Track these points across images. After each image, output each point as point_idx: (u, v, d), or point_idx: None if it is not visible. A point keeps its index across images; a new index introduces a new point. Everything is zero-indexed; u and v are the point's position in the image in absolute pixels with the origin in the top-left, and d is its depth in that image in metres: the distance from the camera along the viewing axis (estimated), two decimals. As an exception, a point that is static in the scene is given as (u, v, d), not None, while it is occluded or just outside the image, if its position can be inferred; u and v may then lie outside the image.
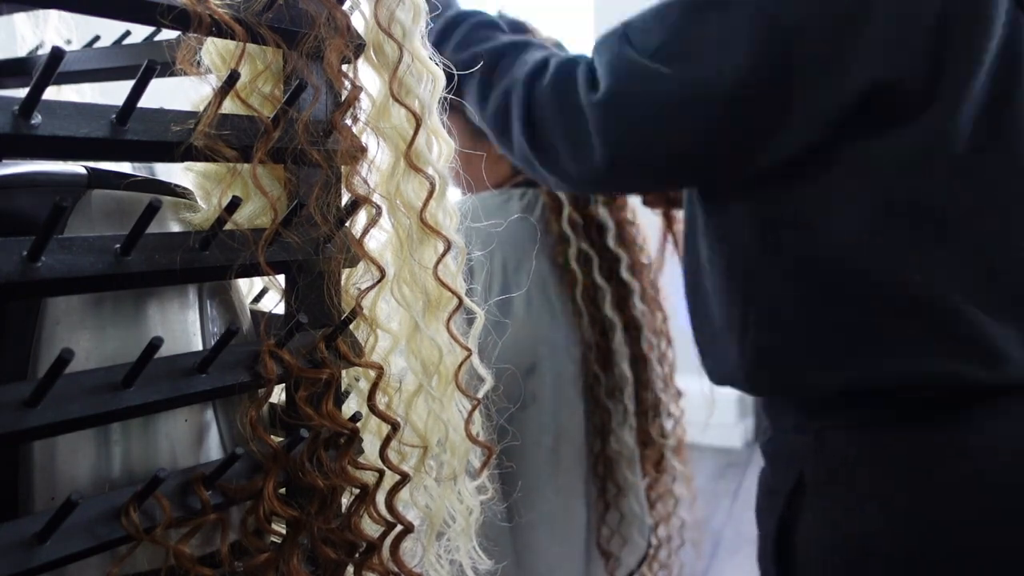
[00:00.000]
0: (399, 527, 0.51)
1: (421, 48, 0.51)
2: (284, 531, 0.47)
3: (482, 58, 0.88)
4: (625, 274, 1.19)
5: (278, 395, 0.52)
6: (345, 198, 0.50)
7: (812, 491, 0.79)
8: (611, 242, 1.17)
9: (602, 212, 1.17)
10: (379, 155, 0.51)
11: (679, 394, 1.31)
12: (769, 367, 0.79)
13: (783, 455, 0.84)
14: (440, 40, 0.94)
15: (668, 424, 1.29)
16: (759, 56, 0.69)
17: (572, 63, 0.81)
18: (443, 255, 0.52)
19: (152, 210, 0.39)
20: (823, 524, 0.78)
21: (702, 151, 0.75)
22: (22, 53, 0.68)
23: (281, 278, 0.50)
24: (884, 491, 0.75)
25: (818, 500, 0.79)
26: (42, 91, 0.36)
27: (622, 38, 0.77)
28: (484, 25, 0.94)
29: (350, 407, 0.53)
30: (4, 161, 0.46)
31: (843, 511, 0.77)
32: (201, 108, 0.43)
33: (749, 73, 0.69)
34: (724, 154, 0.75)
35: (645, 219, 1.26)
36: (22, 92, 0.36)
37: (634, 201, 1.25)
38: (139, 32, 0.53)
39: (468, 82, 0.90)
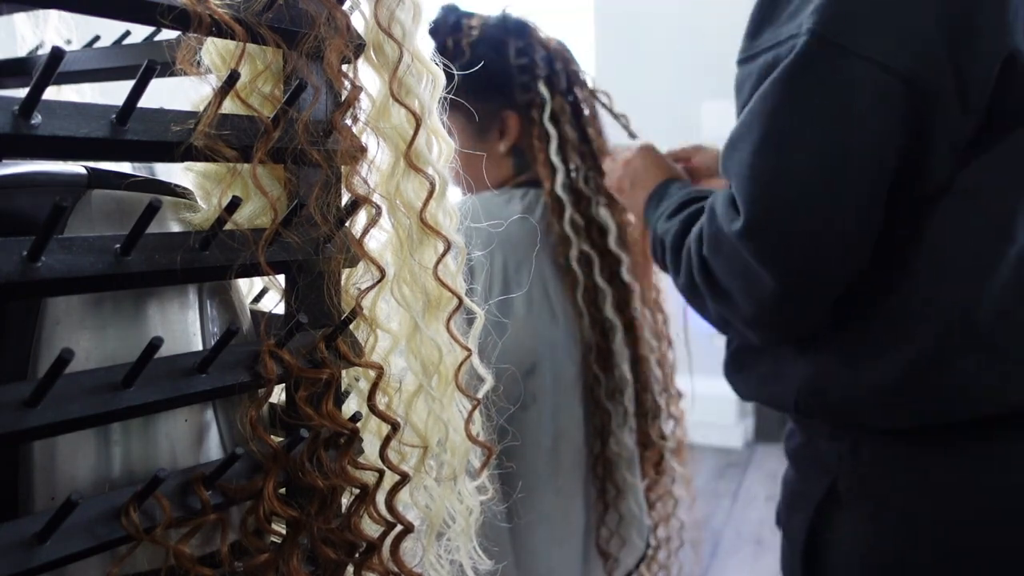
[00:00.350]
0: (399, 527, 0.51)
1: (421, 48, 0.51)
2: (284, 531, 0.47)
3: (668, 246, 0.88)
4: (626, 276, 1.19)
5: (278, 395, 0.52)
6: (345, 198, 0.50)
7: (846, 502, 0.78)
8: (612, 244, 1.17)
9: (603, 214, 1.17)
10: (379, 155, 0.51)
11: (679, 395, 1.31)
12: (826, 391, 0.77)
13: (814, 462, 0.82)
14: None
15: (668, 425, 1.29)
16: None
17: (712, 203, 0.77)
18: (443, 255, 0.52)
19: (152, 210, 0.39)
20: (857, 537, 0.77)
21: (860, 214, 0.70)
22: (22, 53, 0.68)
23: (281, 278, 0.50)
24: (920, 506, 0.73)
25: (852, 512, 0.77)
26: (42, 91, 0.36)
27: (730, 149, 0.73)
28: (668, 214, 0.92)
29: (350, 407, 0.53)
30: (4, 161, 0.46)
31: (877, 525, 0.75)
32: (201, 108, 0.43)
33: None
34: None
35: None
36: (22, 92, 0.36)
37: None
38: (139, 32, 0.53)
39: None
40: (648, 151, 1.07)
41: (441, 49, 1.17)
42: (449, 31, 1.18)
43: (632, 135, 1.23)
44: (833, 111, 0.66)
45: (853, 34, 0.65)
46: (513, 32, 1.18)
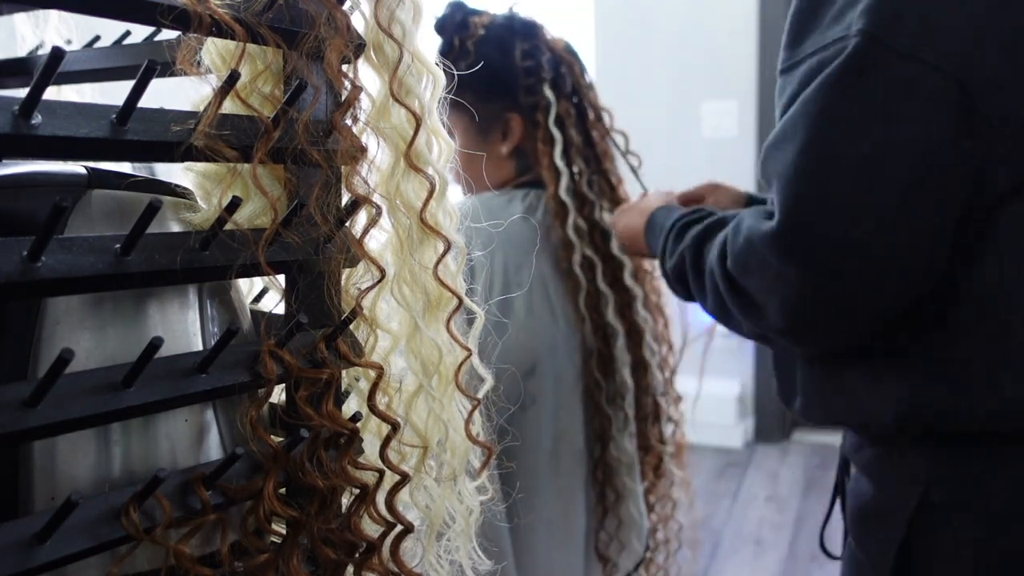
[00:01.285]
0: (399, 527, 0.51)
1: (421, 48, 0.51)
2: (284, 531, 0.47)
3: (685, 268, 0.86)
4: (628, 280, 1.18)
5: (278, 395, 0.52)
6: (345, 198, 0.50)
7: (943, 510, 0.74)
8: (615, 248, 1.17)
9: (607, 218, 1.17)
10: (379, 155, 0.51)
11: (679, 399, 1.31)
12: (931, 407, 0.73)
13: (899, 473, 0.78)
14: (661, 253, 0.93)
15: (668, 429, 1.28)
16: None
17: (739, 221, 0.76)
18: (443, 255, 0.52)
19: (152, 210, 0.39)
20: (963, 545, 0.73)
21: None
22: (22, 53, 0.68)
23: (281, 278, 0.50)
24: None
25: (954, 519, 0.74)
26: (42, 91, 0.36)
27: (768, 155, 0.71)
28: (674, 238, 0.90)
29: (350, 407, 0.53)
30: (4, 161, 0.46)
31: (986, 529, 0.72)
32: (201, 108, 0.43)
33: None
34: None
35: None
36: (22, 92, 0.36)
37: None
38: (139, 32, 0.53)
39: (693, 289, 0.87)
40: (623, 211, 1.07)
41: (447, 47, 1.17)
42: (455, 29, 1.17)
43: (640, 181, 1.23)
44: (885, 113, 0.65)
45: (905, 35, 0.64)
46: (520, 33, 1.17)
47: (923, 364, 0.72)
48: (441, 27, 1.19)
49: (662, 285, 1.27)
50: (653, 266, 1.24)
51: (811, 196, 0.66)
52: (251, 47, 0.47)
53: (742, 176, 3.13)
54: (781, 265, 0.68)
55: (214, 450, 0.48)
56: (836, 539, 0.94)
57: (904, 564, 0.77)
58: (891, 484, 0.79)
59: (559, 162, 1.14)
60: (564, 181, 1.14)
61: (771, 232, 0.68)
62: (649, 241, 0.98)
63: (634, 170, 1.23)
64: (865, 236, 0.66)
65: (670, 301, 1.28)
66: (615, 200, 1.21)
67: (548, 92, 1.15)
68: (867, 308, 0.70)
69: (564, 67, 1.18)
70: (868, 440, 0.82)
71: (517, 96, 1.16)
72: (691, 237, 0.84)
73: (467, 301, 0.54)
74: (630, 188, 1.25)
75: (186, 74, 0.46)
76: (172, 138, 0.42)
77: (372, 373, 0.50)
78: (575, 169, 1.16)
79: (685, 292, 0.88)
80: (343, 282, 0.51)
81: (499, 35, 1.17)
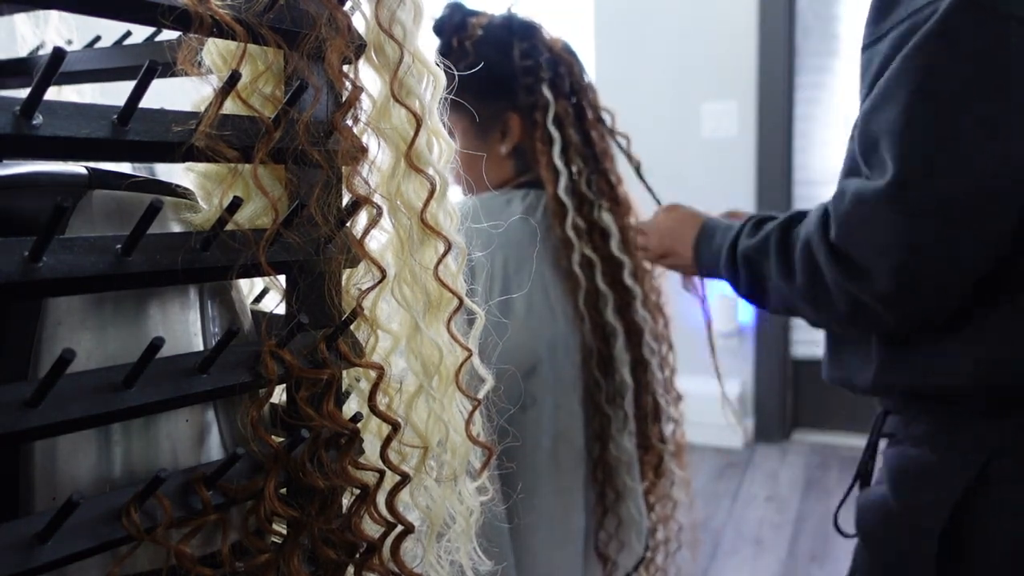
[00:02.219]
0: (399, 527, 0.51)
1: (421, 48, 0.51)
2: (285, 531, 0.47)
3: (768, 258, 0.85)
4: (628, 279, 1.18)
5: (279, 395, 0.52)
6: (346, 198, 0.50)
7: (997, 482, 0.75)
8: (615, 248, 1.16)
9: (606, 218, 1.17)
10: (380, 155, 0.51)
11: (679, 398, 1.31)
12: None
13: (964, 441, 0.78)
14: (732, 278, 0.93)
15: (669, 428, 1.28)
16: None
17: (842, 188, 0.75)
18: (443, 255, 0.52)
19: (153, 210, 0.39)
20: (1013, 520, 0.73)
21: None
22: (23, 53, 0.68)
23: (282, 278, 0.50)
24: None
25: (1008, 493, 0.74)
26: (43, 91, 0.36)
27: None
28: (748, 245, 0.89)
29: (351, 407, 0.53)
30: (5, 161, 0.46)
31: None
32: (202, 109, 0.43)
33: None
34: None
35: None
36: (23, 92, 0.36)
37: (638, 206, 1.24)
38: (140, 32, 0.53)
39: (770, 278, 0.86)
40: (671, 209, 1.07)
41: (446, 48, 1.17)
42: (454, 30, 1.17)
43: (645, 182, 1.23)
44: (986, 71, 0.66)
45: None
46: (518, 33, 1.17)
47: (1003, 326, 0.73)
48: (440, 28, 1.19)
49: (662, 284, 1.27)
50: (654, 266, 1.24)
51: (923, 150, 0.67)
52: (252, 48, 0.47)
53: (742, 176, 3.13)
54: (898, 216, 0.68)
55: (215, 450, 0.48)
56: (832, 540, 0.94)
57: (953, 532, 0.76)
58: (951, 450, 0.79)
59: (558, 162, 1.14)
60: (563, 181, 1.14)
61: (887, 185, 0.68)
62: (704, 241, 0.97)
63: (638, 172, 1.23)
64: (995, 185, 0.66)
65: (671, 300, 1.28)
66: (614, 200, 1.20)
67: (546, 92, 1.15)
68: (980, 262, 0.70)
69: (563, 67, 1.18)
70: (926, 412, 0.82)
71: (516, 96, 1.16)
72: (774, 224, 0.84)
73: (467, 301, 0.54)
74: (631, 189, 1.25)
75: (187, 74, 0.46)
76: (173, 138, 0.42)
77: (373, 373, 0.50)
78: (574, 169, 1.16)
79: (750, 285, 0.88)
80: (344, 282, 0.51)
81: (497, 35, 1.17)
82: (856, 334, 0.84)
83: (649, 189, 1.24)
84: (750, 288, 0.90)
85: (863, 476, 0.94)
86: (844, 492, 0.96)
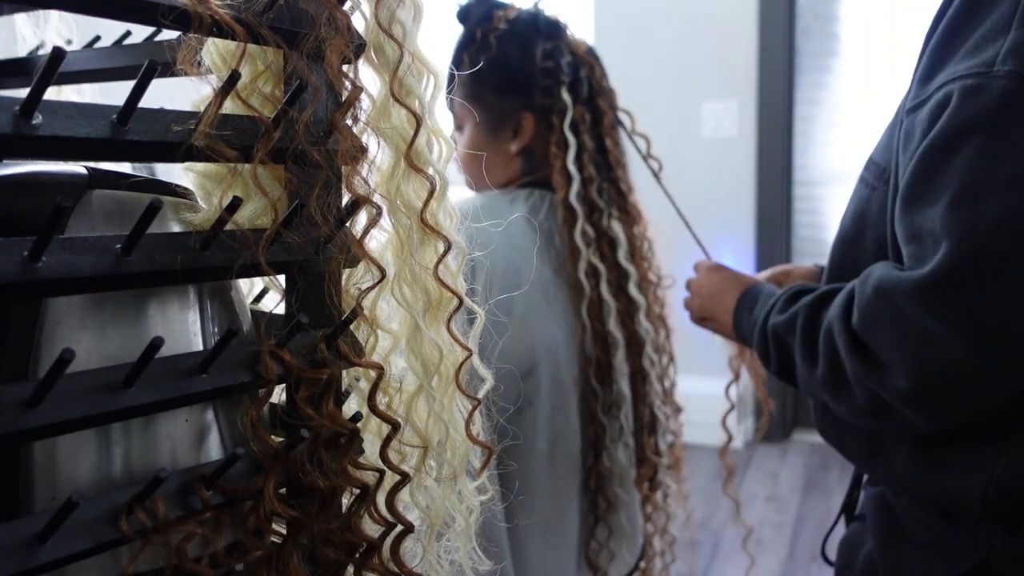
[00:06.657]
0: (399, 527, 0.51)
1: (421, 48, 0.51)
2: (284, 531, 0.47)
3: (793, 343, 0.78)
4: (633, 290, 1.16)
5: (279, 395, 0.52)
6: (345, 198, 0.50)
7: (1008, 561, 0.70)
8: (622, 258, 1.15)
9: (615, 227, 1.16)
10: (379, 155, 0.51)
11: (679, 410, 1.29)
12: None
13: (954, 542, 0.73)
14: (764, 356, 0.86)
15: (666, 440, 1.26)
16: None
17: (868, 273, 0.70)
18: (443, 255, 0.52)
19: (153, 210, 0.39)
20: None
21: None
22: (22, 53, 0.68)
23: (281, 278, 0.50)
24: None
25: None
26: (43, 91, 0.36)
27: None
28: (776, 322, 0.82)
29: (350, 407, 0.53)
30: (5, 161, 0.46)
31: None
32: (202, 108, 0.43)
33: None
34: None
35: (656, 233, 1.24)
36: (23, 92, 0.36)
37: (648, 215, 1.23)
38: (140, 32, 0.53)
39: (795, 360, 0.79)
40: (715, 269, 1.03)
41: (468, 38, 1.14)
42: (478, 21, 1.14)
43: (662, 186, 1.21)
44: None
45: None
46: (543, 32, 1.15)
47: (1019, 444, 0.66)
48: (464, 16, 1.16)
49: (667, 296, 1.26)
50: (659, 277, 1.23)
51: (970, 245, 0.61)
52: (251, 47, 0.47)
53: (742, 176, 3.14)
54: (926, 320, 0.62)
55: (214, 450, 0.48)
56: (832, 540, 0.94)
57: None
58: (942, 552, 0.74)
59: (571, 167, 1.12)
60: (575, 187, 1.12)
61: (919, 280, 0.62)
62: (743, 311, 0.92)
63: (656, 175, 1.22)
64: None
65: (674, 313, 1.26)
66: (624, 209, 1.18)
67: (565, 95, 1.13)
68: (1018, 382, 0.63)
69: (584, 70, 1.16)
70: (912, 503, 0.76)
71: (533, 96, 1.13)
72: (804, 302, 0.78)
73: (468, 301, 0.54)
74: (644, 194, 1.23)
75: (187, 74, 0.46)
76: (173, 138, 0.42)
77: (372, 373, 0.50)
78: (586, 175, 1.14)
79: (779, 366, 0.82)
80: (343, 282, 0.51)
81: (522, 32, 1.14)
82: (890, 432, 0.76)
83: (696, 240, 1.21)
84: (779, 369, 0.83)
85: (847, 508, 0.91)
86: (844, 491, 0.95)
